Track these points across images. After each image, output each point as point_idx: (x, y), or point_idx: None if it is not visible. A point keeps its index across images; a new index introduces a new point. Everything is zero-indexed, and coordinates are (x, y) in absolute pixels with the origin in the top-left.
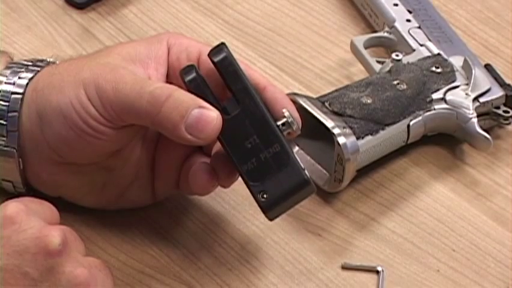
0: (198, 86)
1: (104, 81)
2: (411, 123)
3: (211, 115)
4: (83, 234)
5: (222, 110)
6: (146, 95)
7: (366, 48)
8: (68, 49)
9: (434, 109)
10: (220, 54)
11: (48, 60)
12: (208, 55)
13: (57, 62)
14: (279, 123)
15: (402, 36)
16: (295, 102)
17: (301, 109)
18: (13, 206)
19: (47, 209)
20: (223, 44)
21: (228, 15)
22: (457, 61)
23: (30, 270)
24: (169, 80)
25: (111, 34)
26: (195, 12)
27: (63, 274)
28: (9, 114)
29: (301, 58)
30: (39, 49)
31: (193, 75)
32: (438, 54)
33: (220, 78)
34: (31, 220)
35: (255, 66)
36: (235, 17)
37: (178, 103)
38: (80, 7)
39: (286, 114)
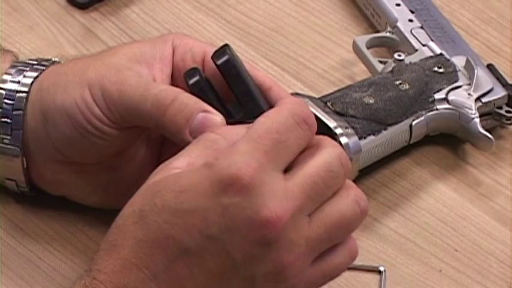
0: (201, 89)
1: (109, 82)
2: (413, 123)
3: (216, 119)
4: (86, 235)
5: (226, 113)
6: (150, 97)
7: (368, 48)
8: (71, 49)
9: (437, 109)
10: (223, 56)
11: (53, 59)
12: (212, 58)
13: (62, 61)
14: None
15: (405, 36)
16: None
17: None
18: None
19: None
20: (226, 45)
21: (230, 15)
22: (459, 61)
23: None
24: (173, 80)
25: (113, 34)
26: (197, 12)
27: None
28: (14, 113)
29: (303, 58)
30: (42, 49)
31: (196, 78)
32: (441, 54)
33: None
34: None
35: (257, 66)
36: (237, 17)
37: (183, 106)
38: (82, 7)
39: None
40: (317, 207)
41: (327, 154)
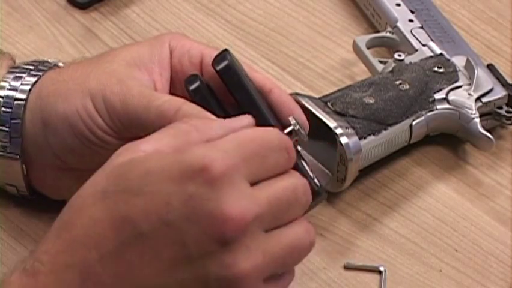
0: (202, 96)
1: (112, 93)
2: (413, 123)
3: None
4: None
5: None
6: (154, 109)
7: (368, 48)
8: (71, 49)
9: (437, 109)
10: (222, 62)
11: (50, 62)
12: (212, 64)
13: (60, 64)
14: (286, 131)
15: (405, 36)
16: (297, 103)
17: (303, 109)
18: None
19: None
20: (226, 50)
21: (231, 15)
22: (459, 61)
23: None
24: (171, 83)
25: (114, 34)
26: (197, 12)
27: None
28: (12, 121)
29: (303, 58)
30: (42, 49)
31: (197, 84)
32: (441, 54)
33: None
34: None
35: (257, 66)
36: (237, 17)
37: (187, 117)
38: (82, 7)
39: (293, 122)
40: (275, 227)
41: (294, 179)
